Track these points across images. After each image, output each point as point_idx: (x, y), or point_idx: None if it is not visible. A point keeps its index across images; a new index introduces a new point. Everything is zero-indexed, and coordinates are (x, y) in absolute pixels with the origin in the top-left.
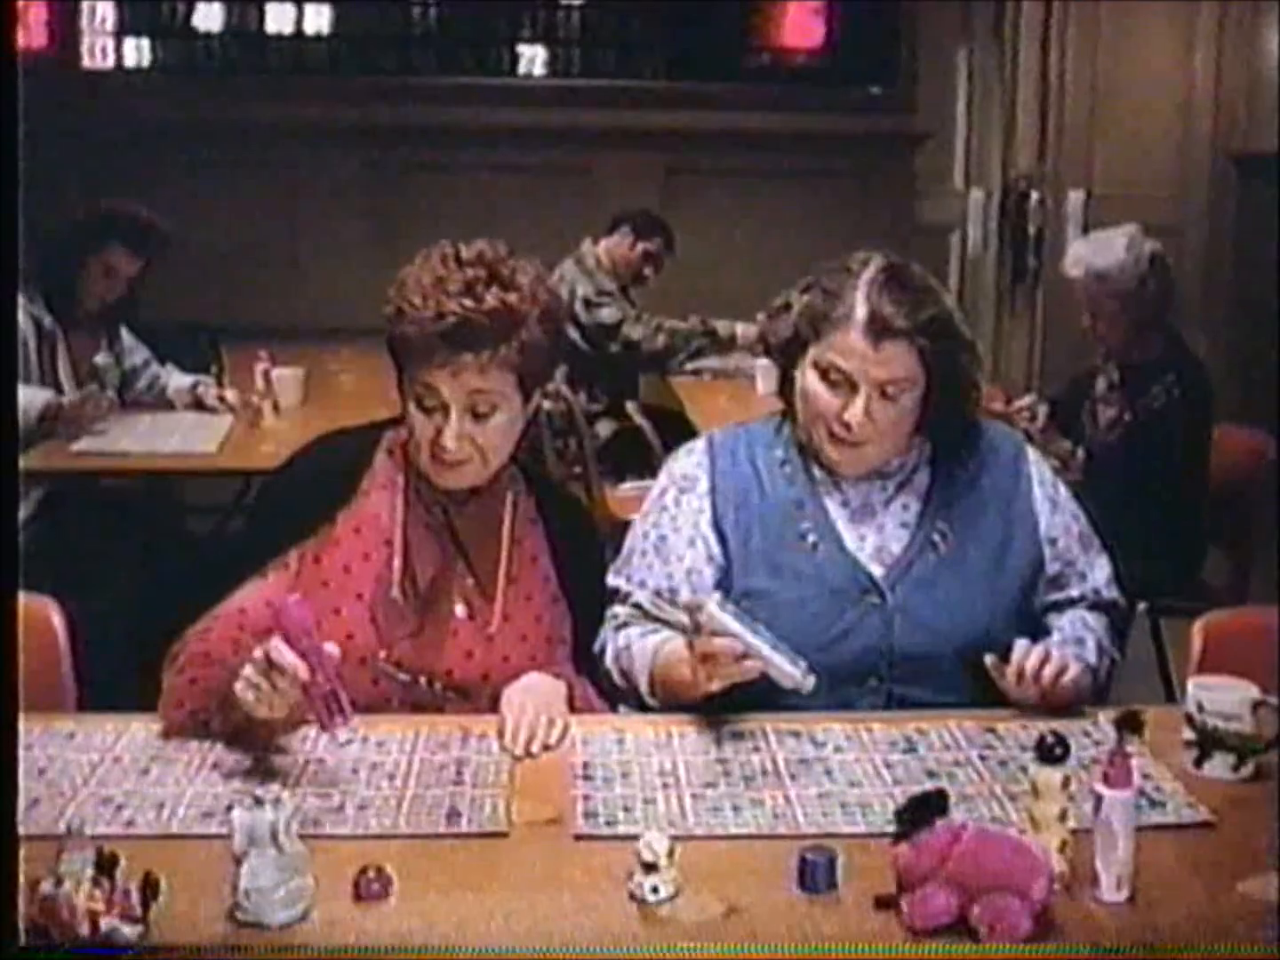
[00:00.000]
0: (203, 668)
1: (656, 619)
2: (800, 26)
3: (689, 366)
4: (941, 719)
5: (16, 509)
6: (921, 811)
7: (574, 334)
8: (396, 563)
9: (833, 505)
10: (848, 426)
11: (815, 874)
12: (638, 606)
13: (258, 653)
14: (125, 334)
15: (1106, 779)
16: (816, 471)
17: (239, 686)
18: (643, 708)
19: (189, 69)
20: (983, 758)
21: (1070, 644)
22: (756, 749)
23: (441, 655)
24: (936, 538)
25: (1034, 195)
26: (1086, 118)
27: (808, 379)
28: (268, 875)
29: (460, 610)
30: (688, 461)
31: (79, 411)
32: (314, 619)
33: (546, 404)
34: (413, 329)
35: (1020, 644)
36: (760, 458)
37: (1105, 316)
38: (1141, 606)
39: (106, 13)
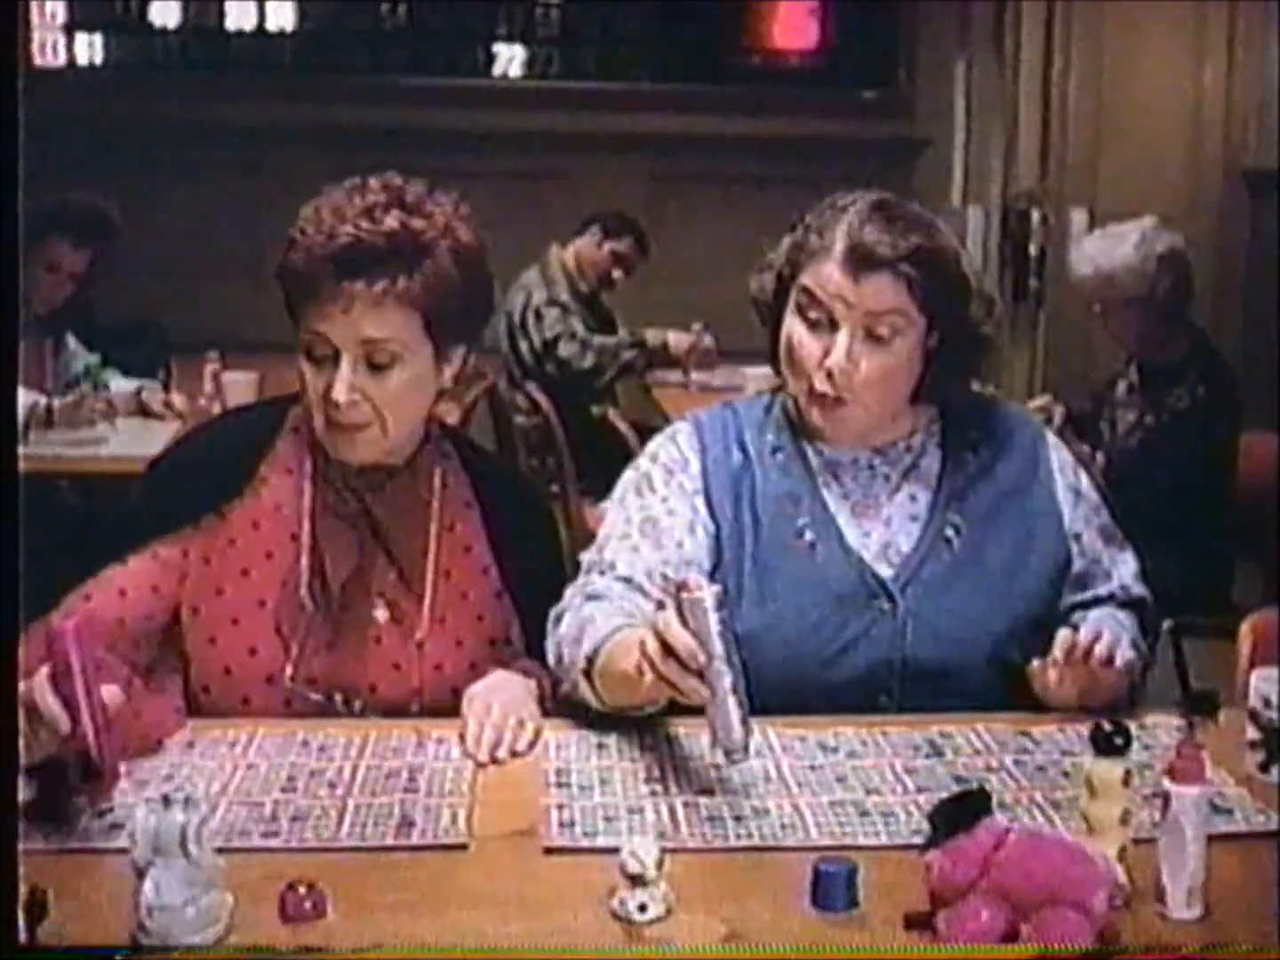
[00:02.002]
0: None
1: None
2: (793, 26)
3: (671, 378)
4: (968, 721)
5: (17, 509)
6: (958, 813)
7: (524, 346)
8: (304, 561)
9: (832, 498)
10: (830, 375)
11: (832, 888)
12: (625, 581)
13: (23, 687)
14: (70, 339)
15: (1174, 774)
16: (813, 458)
17: None
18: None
19: (145, 67)
20: (1018, 762)
21: None
22: (758, 754)
23: (362, 669)
24: (950, 532)
25: (1035, 214)
26: (1090, 133)
27: (789, 326)
28: (175, 890)
29: (381, 614)
30: (674, 444)
31: (72, 415)
32: (99, 649)
33: (521, 419)
34: (299, 256)
35: (1065, 631)
36: (751, 444)
37: (1115, 316)
38: (1166, 624)
39: (57, 7)
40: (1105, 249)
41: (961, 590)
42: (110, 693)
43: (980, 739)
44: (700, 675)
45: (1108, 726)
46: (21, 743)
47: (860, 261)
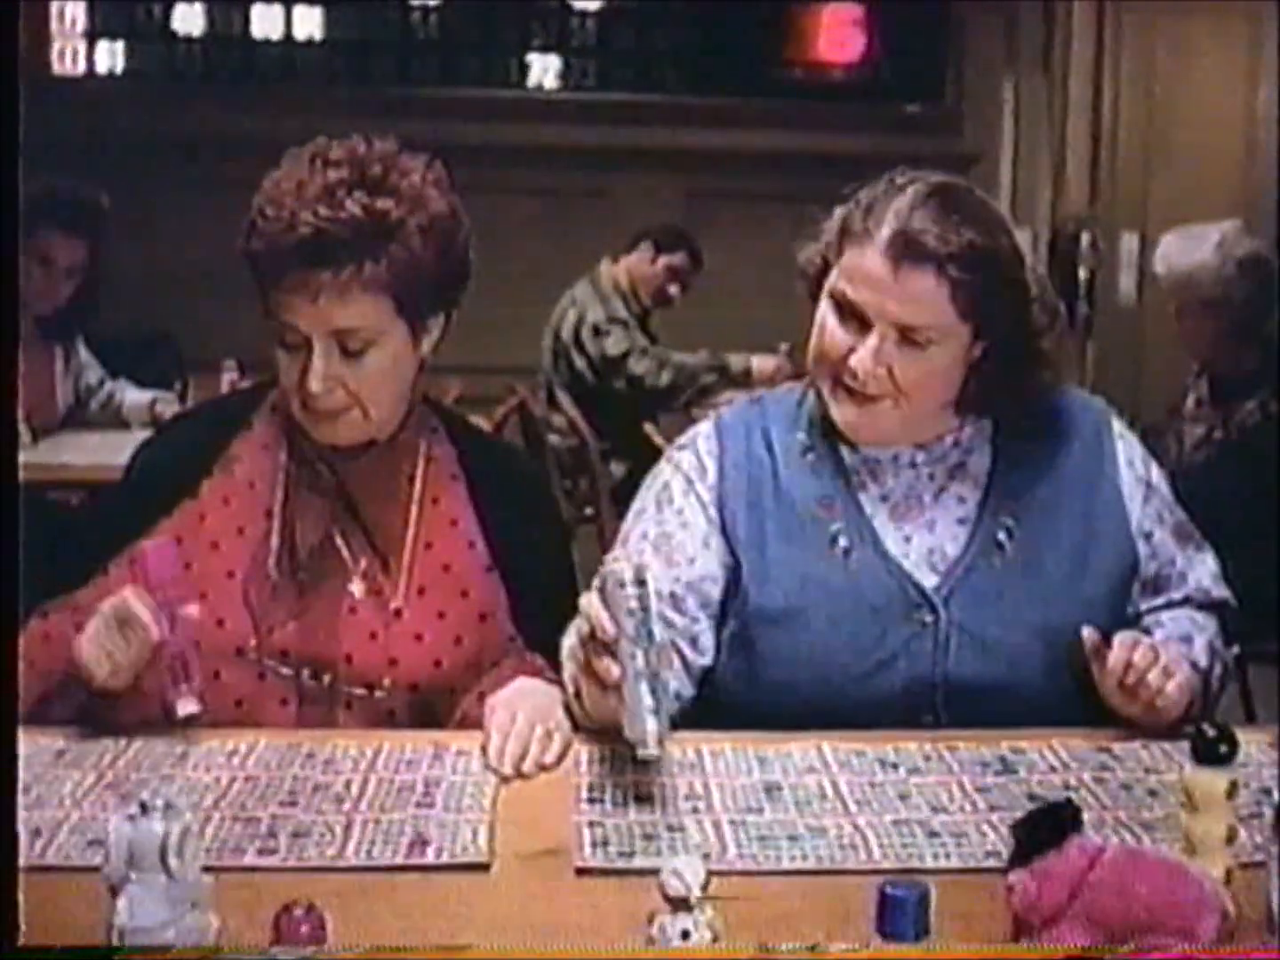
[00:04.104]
0: (41, 648)
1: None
2: (837, 38)
3: (717, 400)
4: (1043, 737)
5: (17, 511)
6: (1045, 828)
7: (580, 363)
8: (275, 533)
9: (868, 500)
10: (855, 375)
11: (901, 913)
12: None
13: (107, 605)
14: (82, 350)
15: None
16: (847, 457)
17: (83, 643)
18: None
19: (167, 76)
20: (1099, 780)
21: (1174, 641)
22: (811, 769)
23: (335, 640)
24: (1001, 536)
25: (1085, 237)
26: (1141, 155)
27: (822, 310)
28: (153, 909)
29: (357, 587)
30: (693, 449)
31: None
32: (179, 569)
33: (555, 440)
34: (261, 244)
35: (1123, 636)
36: (777, 442)
37: (1191, 320)
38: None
39: (78, 13)
40: (1184, 248)
41: (1014, 599)
42: (191, 610)
43: (1056, 755)
44: (612, 653)
45: (1210, 732)
46: (96, 652)
47: (903, 251)
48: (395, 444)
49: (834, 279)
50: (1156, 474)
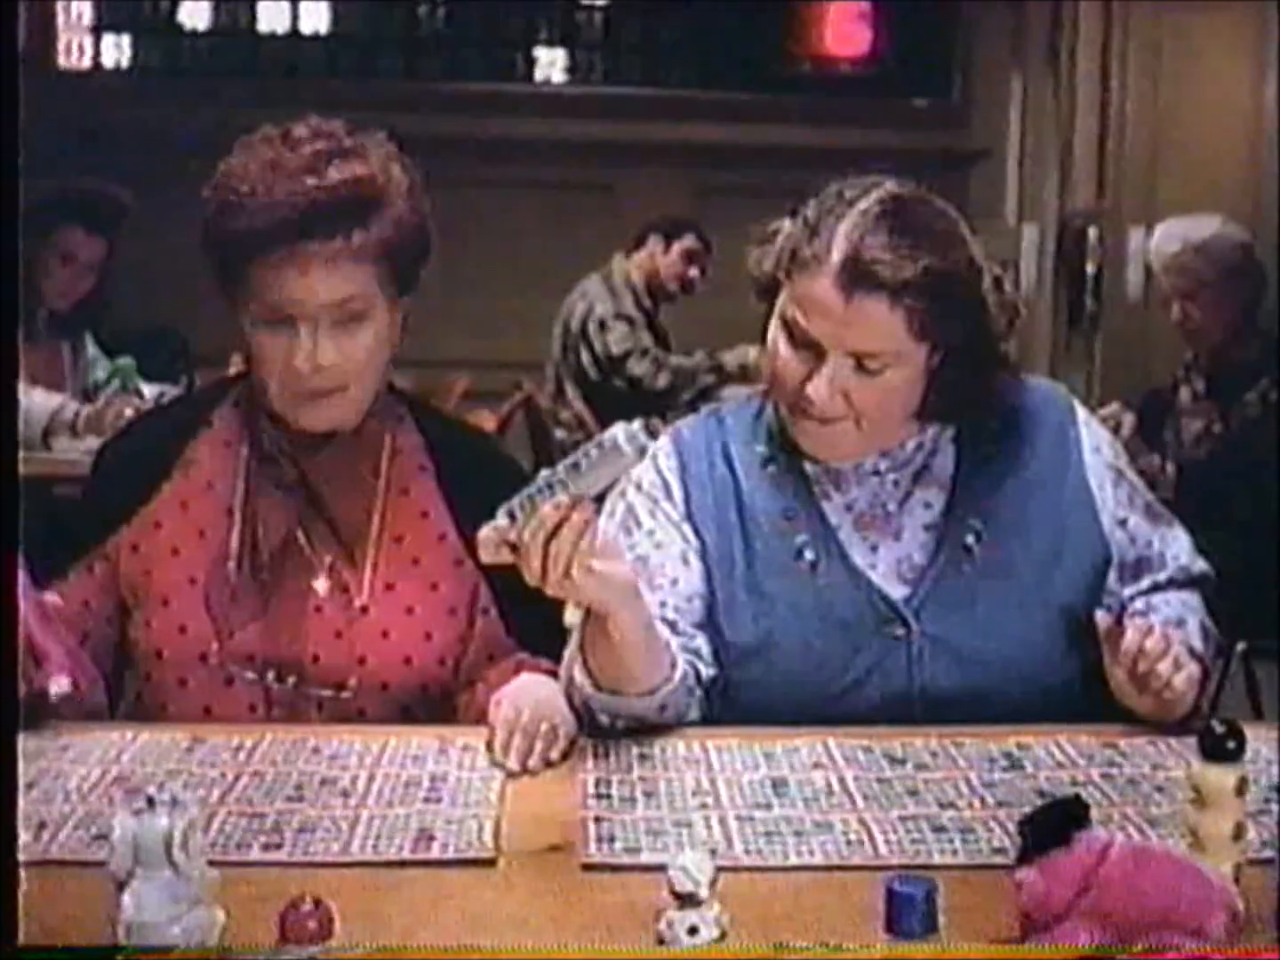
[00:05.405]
0: None
1: None
2: (844, 32)
3: (722, 395)
4: (1050, 733)
5: (18, 510)
6: (1053, 824)
7: (586, 358)
8: (235, 534)
9: (832, 510)
10: (812, 402)
11: (909, 910)
12: None
13: None
14: (90, 345)
15: None
16: (809, 468)
17: None
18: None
19: (173, 70)
20: (1106, 776)
21: (1171, 626)
22: (819, 765)
23: (301, 641)
24: (970, 540)
25: (1092, 232)
26: (1148, 151)
27: (774, 334)
28: (158, 904)
29: (322, 584)
30: (654, 467)
31: (98, 421)
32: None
33: (561, 434)
34: (242, 223)
35: (1139, 622)
36: (737, 457)
37: (1203, 300)
38: (1238, 647)
39: (83, 8)
40: (1194, 225)
41: (986, 605)
42: (51, 596)
43: (1063, 751)
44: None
45: (1219, 728)
46: None
47: (855, 280)
48: (360, 434)
49: (784, 304)
50: (1123, 456)
